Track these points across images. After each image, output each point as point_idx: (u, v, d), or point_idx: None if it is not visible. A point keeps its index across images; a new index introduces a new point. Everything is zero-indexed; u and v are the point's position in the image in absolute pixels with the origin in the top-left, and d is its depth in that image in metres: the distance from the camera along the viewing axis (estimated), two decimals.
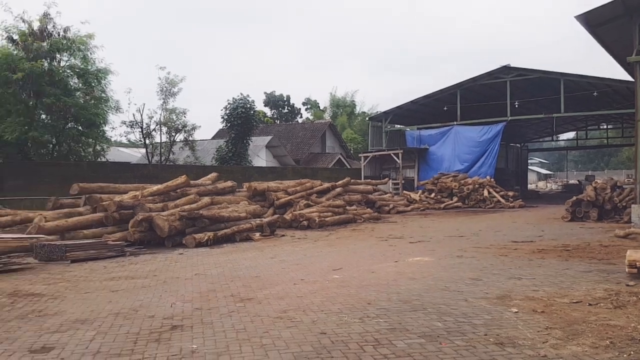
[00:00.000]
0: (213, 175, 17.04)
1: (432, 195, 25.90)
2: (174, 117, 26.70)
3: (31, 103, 19.28)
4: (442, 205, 24.66)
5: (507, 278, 7.46)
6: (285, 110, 60.01)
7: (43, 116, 20.19)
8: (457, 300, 6.11)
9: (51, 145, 20.61)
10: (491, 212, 22.73)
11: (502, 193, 25.60)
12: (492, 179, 26.28)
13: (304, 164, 36.62)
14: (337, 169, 34.70)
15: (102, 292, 7.07)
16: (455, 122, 29.54)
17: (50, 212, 12.32)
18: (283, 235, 13.92)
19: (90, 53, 20.58)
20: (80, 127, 20.82)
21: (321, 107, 59.33)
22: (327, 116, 53.75)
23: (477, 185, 25.45)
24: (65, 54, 20.09)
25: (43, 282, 7.82)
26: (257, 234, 13.41)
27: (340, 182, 20.33)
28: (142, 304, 6.24)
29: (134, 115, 26.19)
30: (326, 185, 19.49)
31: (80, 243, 10.60)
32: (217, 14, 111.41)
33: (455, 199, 25.38)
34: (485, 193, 25.15)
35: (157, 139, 27.24)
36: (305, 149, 39.58)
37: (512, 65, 27.72)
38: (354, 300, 6.20)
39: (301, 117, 60.11)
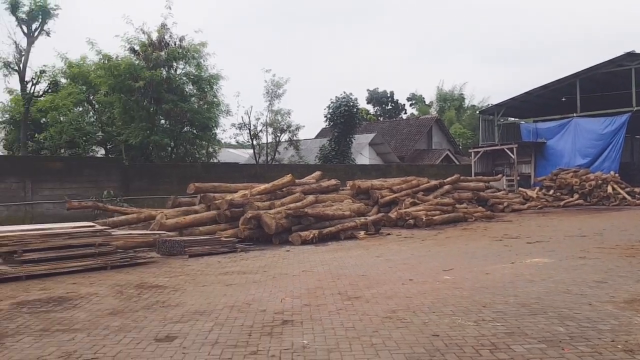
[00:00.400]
0: (317, 174, 17.36)
1: (551, 192, 24.36)
2: (279, 118, 27.62)
3: (152, 109, 20.93)
4: (562, 203, 23.08)
5: (636, 281, 6.88)
6: (389, 107, 59.51)
7: (162, 121, 21.82)
8: (581, 304, 5.71)
9: (170, 148, 22.24)
10: (616, 210, 20.93)
11: (627, 189, 23.46)
12: (617, 174, 24.18)
13: (409, 161, 36.07)
14: (444, 165, 33.77)
15: (217, 285, 7.49)
16: (574, 114, 27.54)
17: (170, 210, 13.29)
18: (388, 234, 13.82)
19: (203, 60, 21.93)
20: (194, 131, 22.24)
21: (427, 102, 58.11)
22: (433, 111, 52.51)
23: (600, 181, 23.55)
24: (181, 62, 21.57)
25: (165, 275, 8.47)
26: (362, 233, 13.43)
27: (449, 179, 19.77)
28: (254, 298, 6.52)
29: (242, 117, 27.48)
30: (433, 182, 19.05)
31: (197, 239, 11.35)
32: (320, 14, 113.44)
33: (576, 196, 23.65)
34: (609, 189, 23.16)
35: (264, 140, 28.36)
36: (410, 145, 38.98)
37: (637, 51, 25.21)
38: (468, 302, 5.99)
39: (405, 113, 59.27)
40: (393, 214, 15.87)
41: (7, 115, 22.87)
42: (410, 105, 60.71)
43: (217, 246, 11.19)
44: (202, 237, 11.66)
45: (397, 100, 60.02)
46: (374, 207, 16.89)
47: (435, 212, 16.42)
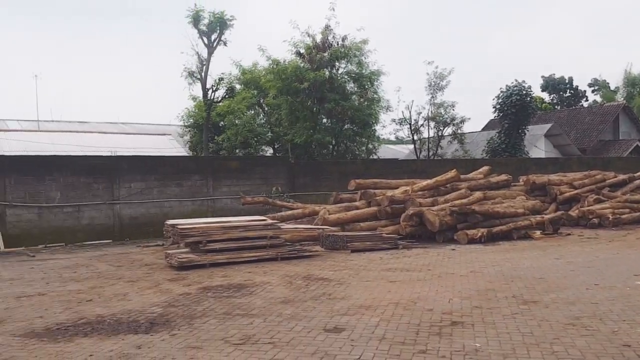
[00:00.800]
0: (485, 168, 16.58)
1: None
2: (442, 111, 26.98)
3: (315, 109, 21.97)
4: None
5: None
6: (567, 94, 54.48)
7: (324, 120, 22.78)
8: None
9: (331, 146, 23.12)
10: None
11: None
12: None
13: (592, 154, 32.64)
14: (634, 158, 29.91)
15: (380, 281, 7.59)
16: None
17: (332, 205, 13.80)
18: (568, 234, 12.70)
19: (364, 58, 22.35)
20: (355, 128, 22.80)
21: (612, 88, 51.98)
22: (620, 97, 46.81)
23: None
24: (342, 61, 22.27)
25: (330, 269, 8.82)
26: (537, 232, 12.56)
27: None
28: (419, 297, 6.46)
29: (402, 112, 27.42)
30: (622, 177, 17.00)
31: (359, 235, 11.63)
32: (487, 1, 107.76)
33: None
34: None
35: (425, 134, 27.95)
36: (592, 136, 35.23)
37: None
38: None
39: (587, 100, 53.76)
40: (574, 212, 14.52)
41: (191, 120, 25.88)
42: (593, 91, 54.83)
43: (378, 242, 11.34)
44: (363, 233, 11.90)
45: (577, 86, 54.65)
46: (551, 205, 15.61)
47: (623, 210, 14.69)
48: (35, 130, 25.50)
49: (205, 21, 22.91)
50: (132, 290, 7.56)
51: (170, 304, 6.52)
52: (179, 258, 9.36)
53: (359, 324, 5.26)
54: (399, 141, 36.86)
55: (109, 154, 17.61)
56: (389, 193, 13.64)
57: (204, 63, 23.51)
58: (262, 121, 25.57)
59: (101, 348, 4.79)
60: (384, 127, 37.38)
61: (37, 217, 14.26)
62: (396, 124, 27.52)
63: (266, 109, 25.09)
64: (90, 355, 4.59)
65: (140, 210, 15.85)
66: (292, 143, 22.07)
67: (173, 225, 10.06)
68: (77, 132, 26.34)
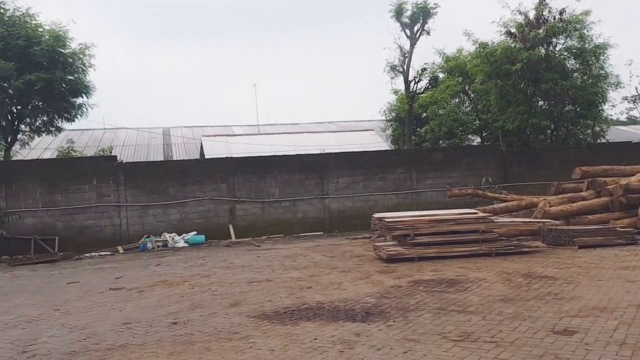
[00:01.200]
0: None
1: None
2: None
3: (529, 91, 20.46)
4: None
5: None
6: None
7: (540, 102, 21.09)
8: None
9: (549, 131, 21.34)
10: None
11: None
12: None
13: None
14: None
15: (617, 281, 6.82)
16: None
17: (552, 197, 12.78)
18: None
19: (587, 31, 20.11)
20: (577, 109, 20.68)
21: None
22: None
23: None
24: (560, 36, 20.33)
25: (554, 266, 8.18)
26: None
27: None
28: None
29: (636, 88, 23.98)
30: None
31: (587, 229, 10.57)
32: None
33: None
34: None
35: None
36: None
37: None
38: None
39: None
40: None
41: (393, 114, 26.34)
42: None
43: (611, 237, 10.24)
44: (592, 227, 10.82)
45: None
46: None
47: None
48: (256, 134, 28.64)
49: (408, 13, 23.08)
50: (345, 279, 8.02)
51: (382, 295, 6.75)
52: (387, 251, 9.62)
53: (594, 327, 4.78)
54: (633, 121, 32.36)
55: (317, 151, 18.92)
56: (623, 181, 12.17)
57: (406, 55, 23.74)
58: (468, 109, 24.81)
59: (324, 333, 5.17)
60: (613, 106, 32.94)
61: (260, 211, 16.07)
62: (628, 102, 24.19)
63: (472, 95, 24.24)
64: (315, 338, 5.00)
65: (347, 204, 16.74)
66: (503, 130, 20.95)
67: (380, 219, 10.40)
68: (290, 133, 28.84)
